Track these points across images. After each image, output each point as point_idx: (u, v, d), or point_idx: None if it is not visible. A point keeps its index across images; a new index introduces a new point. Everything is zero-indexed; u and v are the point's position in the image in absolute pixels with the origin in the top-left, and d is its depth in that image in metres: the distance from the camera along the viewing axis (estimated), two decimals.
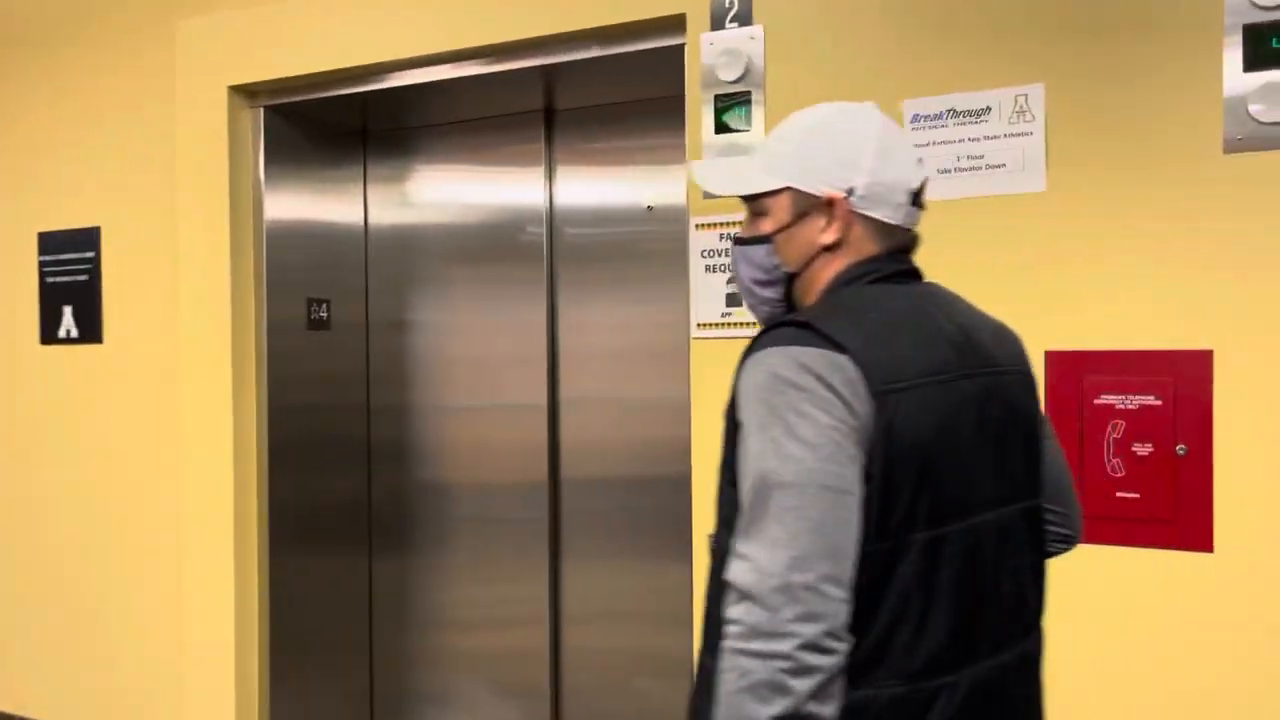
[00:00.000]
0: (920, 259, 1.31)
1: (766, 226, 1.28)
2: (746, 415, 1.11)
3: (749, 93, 2.28)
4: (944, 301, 1.26)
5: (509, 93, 2.85)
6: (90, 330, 3.37)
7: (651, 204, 2.90)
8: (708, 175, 1.38)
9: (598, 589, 2.99)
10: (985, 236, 2.04)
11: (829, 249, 1.24)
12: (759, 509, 1.05)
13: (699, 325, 2.32)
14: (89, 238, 3.39)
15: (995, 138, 2.03)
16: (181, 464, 3.14)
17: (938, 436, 1.12)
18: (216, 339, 3.00)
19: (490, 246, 3.13)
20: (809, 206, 1.24)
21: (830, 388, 1.07)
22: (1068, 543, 1.39)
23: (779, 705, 0.99)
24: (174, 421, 3.20)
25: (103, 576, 3.38)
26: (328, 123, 3.14)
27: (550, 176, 3.05)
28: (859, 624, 1.07)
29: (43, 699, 3.49)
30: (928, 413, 1.11)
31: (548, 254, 3.04)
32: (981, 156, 2.05)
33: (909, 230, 1.28)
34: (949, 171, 2.07)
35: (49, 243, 3.48)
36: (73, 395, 3.43)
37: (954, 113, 2.07)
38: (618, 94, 2.86)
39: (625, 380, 2.92)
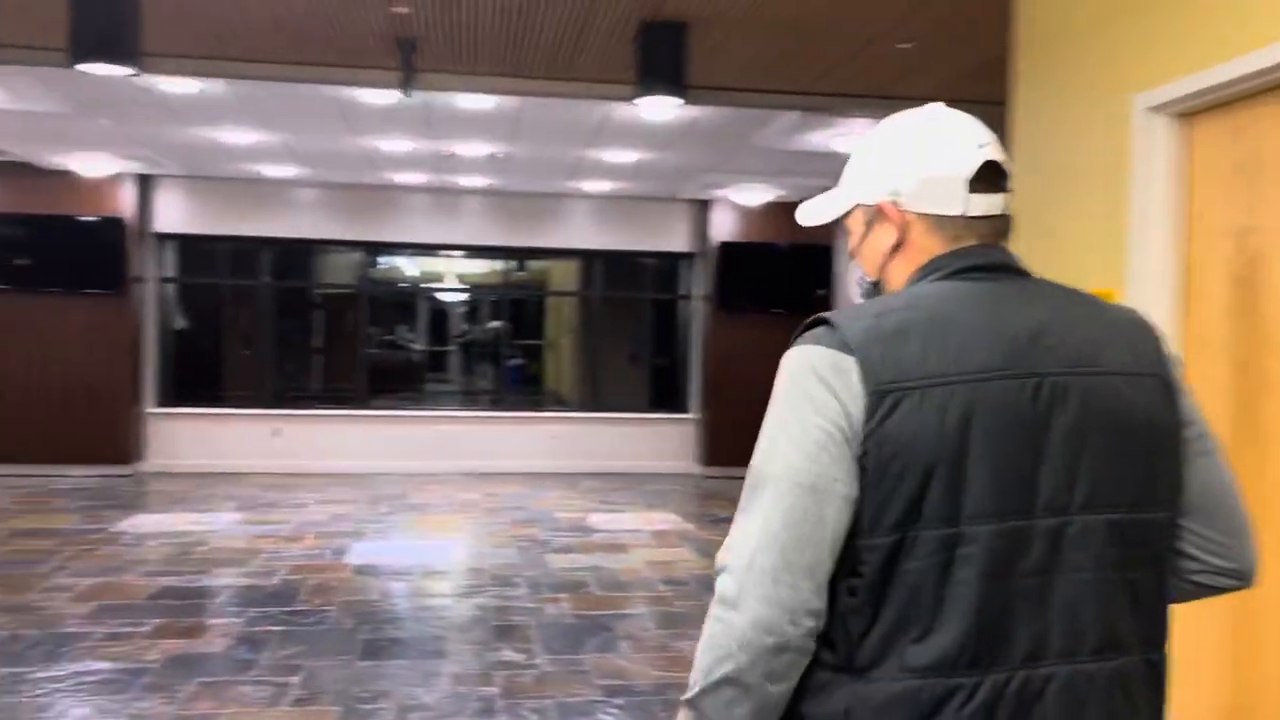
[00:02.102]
0: None
1: (851, 244, 1.38)
2: (769, 407, 1.19)
3: None
4: (1023, 300, 1.22)
5: None
6: None
7: None
8: (804, 210, 1.44)
9: None
10: None
11: (895, 251, 1.30)
12: (747, 496, 1.17)
13: None
14: None
15: None
16: None
17: (954, 434, 1.12)
18: None
19: None
20: (872, 216, 1.32)
21: (829, 388, 1.14)
22: (1233, 578, 1.28)
23: (724, 668, 1.13)
24: None
25: None
26: None
27: None
28: (868, 613, 1.13)
29: None
30: (939, 411, 1.12)
31: None
32: None
33: (985, 218, 1.26)
34: None
35: None
36: None
37: None
38: None
39: None
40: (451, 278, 16.02)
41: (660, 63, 5.02)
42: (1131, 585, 1.19)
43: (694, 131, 7.60)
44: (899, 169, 1.28)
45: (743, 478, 1.19)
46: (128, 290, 10.17)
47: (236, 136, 8.25)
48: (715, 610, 1.15)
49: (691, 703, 1.17)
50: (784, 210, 11.04)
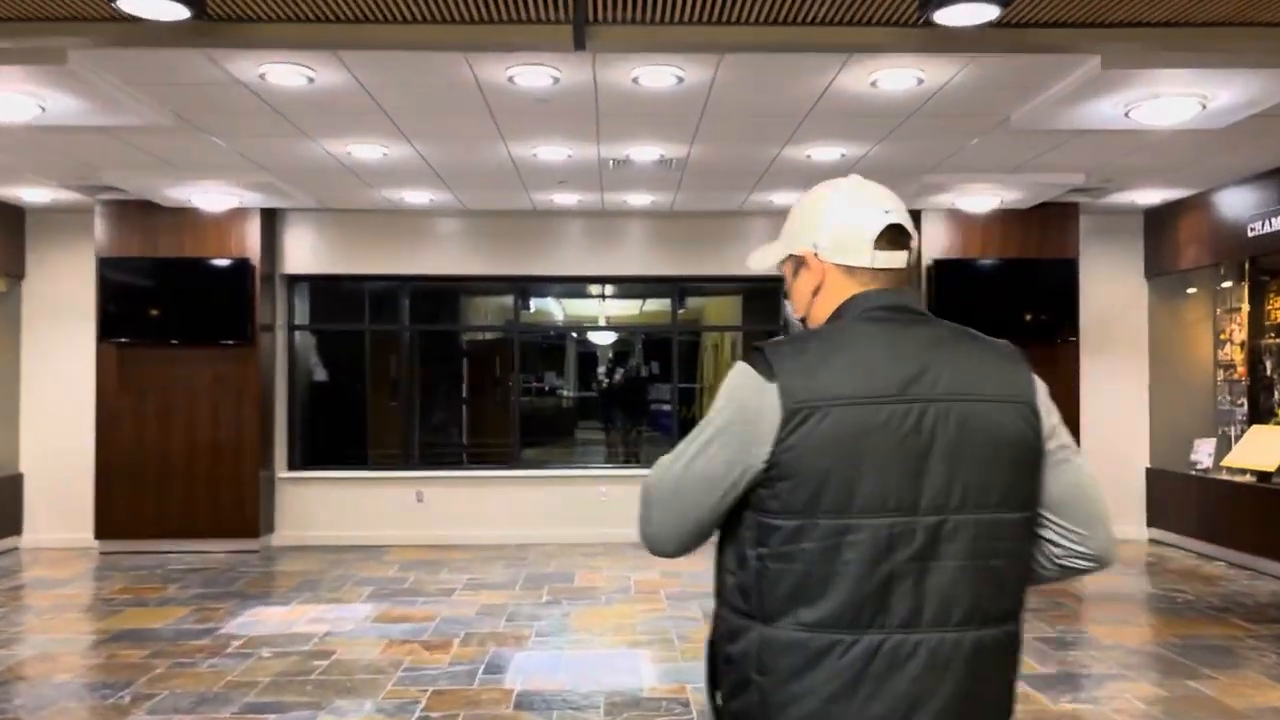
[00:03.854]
0: None
1: (786, 287, 1.73)
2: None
3: None
4: (916, 338, 1.56)
5: None
6: None
7: None
8: (752, 257, 1.79)
9: None
10: None
11: (815, 294, 1.65)
12: (682, 446, 1.58)
13: None
14: None
15: None
16: None
17: (850, 446, 1.46)
18: None
19: None
20: (799, 265, 1.67)
21: (748, 403, 1.51)
22: (1090, 561, 1.61)
23: (639, 535, 1.64)
24: None
25: None
26: None
27: None
28: (774, 577, 1.50)
29: None
30: (838, 427, 1.47)
31: None
32: None
33: (887, 269, 1.61)
34: None
35: None
36: None
37: None
38: None
39: None
40: (602, 318, 14.58)
41: None
42: (995, 571, 1.52)
43: (931, 110, 5.81)
44: (820, 227, 1.63)
45: None
46: (255, 339, 9.00)
47: (363, 150, 6.93)
48: (640, 507, 1.62)
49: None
50: (1011, 220, 9.10)
